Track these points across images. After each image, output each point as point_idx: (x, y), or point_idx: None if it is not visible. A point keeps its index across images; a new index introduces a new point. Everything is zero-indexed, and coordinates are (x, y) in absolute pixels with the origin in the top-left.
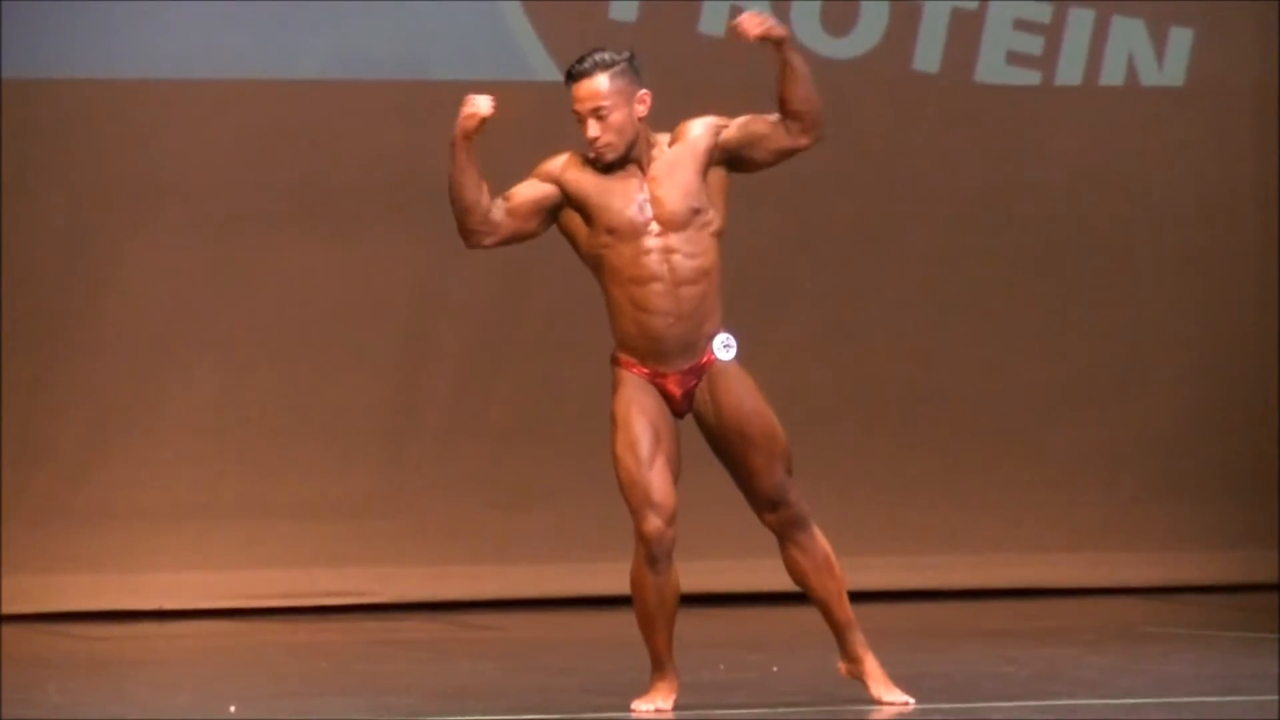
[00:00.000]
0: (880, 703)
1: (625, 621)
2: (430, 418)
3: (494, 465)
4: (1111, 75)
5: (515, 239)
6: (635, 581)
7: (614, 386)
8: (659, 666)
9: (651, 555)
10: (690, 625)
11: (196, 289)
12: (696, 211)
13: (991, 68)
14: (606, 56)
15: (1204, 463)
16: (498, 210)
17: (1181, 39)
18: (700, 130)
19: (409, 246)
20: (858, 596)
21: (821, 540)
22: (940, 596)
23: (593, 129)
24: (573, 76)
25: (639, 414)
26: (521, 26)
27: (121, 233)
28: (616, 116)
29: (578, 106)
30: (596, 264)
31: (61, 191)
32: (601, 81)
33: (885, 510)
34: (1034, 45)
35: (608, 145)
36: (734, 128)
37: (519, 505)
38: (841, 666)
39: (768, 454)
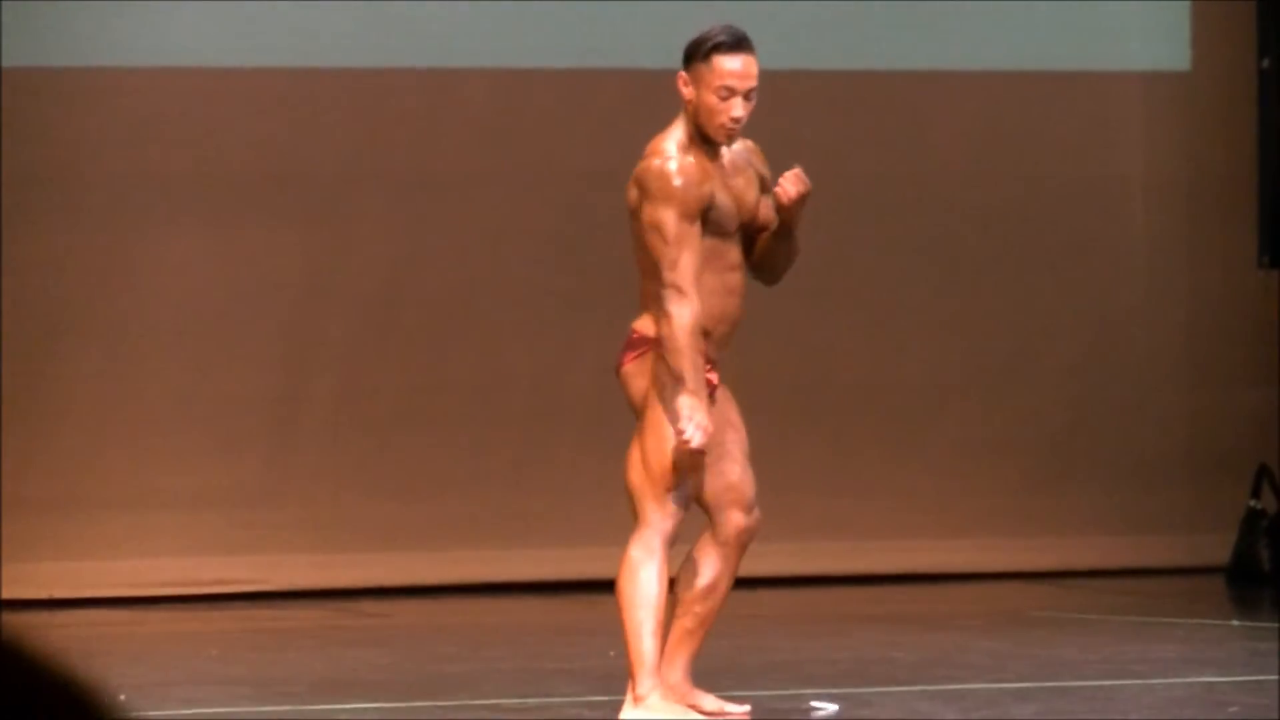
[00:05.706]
0: (724, 714)
1: (511, 608)
2: (316, 407)
3: (379, 454)
4: (997, 60)
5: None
6: (642, 569)
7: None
8: (652, 670)
9: (671, 536)
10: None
11: (81, 279)
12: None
13: (877, 54)
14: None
15: (1090, 449)
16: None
17: (1070, 24)
18: (767, 171)
19: (293, 237)
20: (750, 583)
21: (735, 574)
22: (830, 582)
23: (741, 108)
24: (736, 48)
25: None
26: (401, 12)
27: (7, 221)
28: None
29: (733, 82)
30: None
31: None
32: (756, 62)
33: (773, 497)
34: (920, 30)
35: (740, 128)
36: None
37: (404, 494)
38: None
39: (745, 456)
